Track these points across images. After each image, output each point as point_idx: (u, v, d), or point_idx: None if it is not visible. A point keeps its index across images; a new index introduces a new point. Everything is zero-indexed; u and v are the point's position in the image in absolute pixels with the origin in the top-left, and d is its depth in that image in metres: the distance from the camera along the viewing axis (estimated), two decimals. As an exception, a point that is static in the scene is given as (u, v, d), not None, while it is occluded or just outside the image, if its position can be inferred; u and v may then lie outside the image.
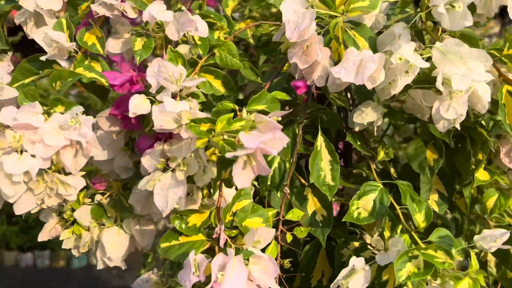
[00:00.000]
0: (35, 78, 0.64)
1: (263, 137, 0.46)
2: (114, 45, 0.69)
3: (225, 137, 0.51)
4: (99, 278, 3.03)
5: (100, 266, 0.69)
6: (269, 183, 0.68)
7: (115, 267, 0.69)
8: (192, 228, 0.57)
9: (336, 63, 0.59)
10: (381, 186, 0.64)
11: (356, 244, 0.74)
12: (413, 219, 0.62)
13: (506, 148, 0.70)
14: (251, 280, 0.52)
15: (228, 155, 0.47)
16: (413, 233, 0.61)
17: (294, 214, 0.64)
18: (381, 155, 0.70)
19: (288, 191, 0.65)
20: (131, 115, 0.58)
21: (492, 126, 0.71)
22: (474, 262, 0.52)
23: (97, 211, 0.69)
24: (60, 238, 0.70)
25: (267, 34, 0.71)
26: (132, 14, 0.67)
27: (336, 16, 0.58)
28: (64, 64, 0.65)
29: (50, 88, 0.62)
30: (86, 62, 0.65)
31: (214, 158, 0.54)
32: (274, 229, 0.55)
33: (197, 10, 0.75)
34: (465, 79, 0.56)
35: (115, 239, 0.67)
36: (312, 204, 0.69)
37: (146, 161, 0.61)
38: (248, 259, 0.52)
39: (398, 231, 0.63)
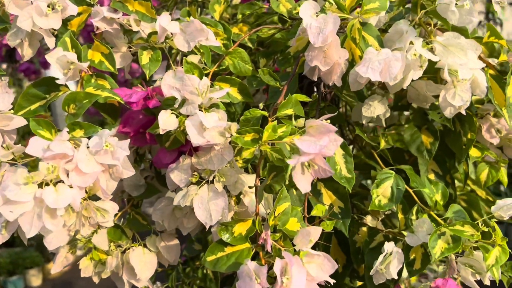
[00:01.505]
0: (43, 103, 0.60)
1: (321, 141, 0.48)
2: (112, 60, 0.67)
3: (272, 145, 0.52)
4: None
5: (126, 289, 0.67)
6: (287, 182, 0.70)
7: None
8: (239, 237, 0.57)
9: (350, 62, 0.62)
10: (394, 173, 0.69)
11: (364, 229, 0.79)
12: (427, 199, 0.68)
13: (486, 126, 0.78)
14: (309, 279, 0.54)
15: (291, 162, 0.48)
16: (431, 212, 0.66)
17: (319, 210, 0.67)
18: (383, 143, 0.75)
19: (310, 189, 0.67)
20: (161, 132, 0.57)
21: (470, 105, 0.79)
22: (498, 231, 0.58)
23: (115, 233, 0.67)
24: (80, 267, 0.66)
25: (266, 38, 0.72)
26: (135, 27, 0.65)
27: (345, 19, 0.61)
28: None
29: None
30: (93, 81, 0.62)
31: (241, 163, 0.55)
32: (321, 228, 0.57)
33: (188, 18, 0.74)
34: (467, 68, 0.62)
35: (143, 259, 0.65)
36: (327, 197, 0.72)
37: (176, 176, 0.60)
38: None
39: (414, 212, 0.68)
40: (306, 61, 0.62)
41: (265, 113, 0.58)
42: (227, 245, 0.58)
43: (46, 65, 1.48)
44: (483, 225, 0.59)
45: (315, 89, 0.82)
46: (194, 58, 0.65)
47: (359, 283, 0.83)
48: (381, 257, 0.62)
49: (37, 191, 0.49)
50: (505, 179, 0.77)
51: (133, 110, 0.67)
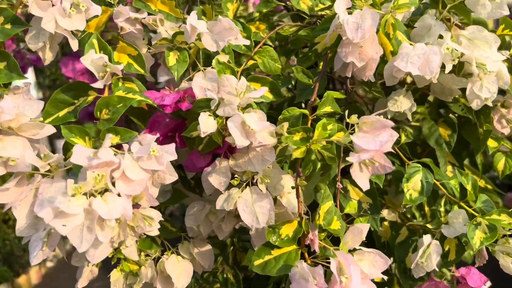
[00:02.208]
0: (71, 109, 0.56)
1: (379, 137, 0.47)
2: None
3: (323, 143, 0.51)
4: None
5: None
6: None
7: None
8: (286, 239, 0.56)
9: (380, 58, 0.62)
10: (421, 166, 0.69)
11: (386, 223, 0.79)
12: (455, 191, 0.69)
13: (497, 116, 0.80)
14: (363, 276, 0.54)
15: (352, 159, 0.47)
16: (461, 203, 0.67)
17: (351, 207, 0.67)
18: (403, 138, 0.76)
19: (341, 186, 0.67)
20: (202, 134, 0.55)
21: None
22: (532, 217, 0.60)
23: (145, 242, 0.65)
24: (111, 280, 0.63)
25: (286, 37, 0.71)
26: (161, 28, 0.63)
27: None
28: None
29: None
30: (120, 84, 0.59)
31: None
32: (369, 224, 0.56)
33: (203, 17, 0.72)
34: (492, 61, 0.63)
35: (179, 267, 0.63)
36: (355, 194, 0.72)
37: (215, 179, 0.58)
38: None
39: (442, 203, 0.69)
40: (339, 57, 0.61)
41: (306, 111, 0.57)
42: (273, 248, 0.57)
43: (24, 69, 1.40)
44: (519, 213, 0.60)
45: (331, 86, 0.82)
46: (223, 58, 0.63)
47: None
48: (420, 251, 0.62)
49: (87, 202, 0.46)
50: (520, 168, 0.79)
51: (159, 114, 0.65)
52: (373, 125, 0.49)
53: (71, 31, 0.58)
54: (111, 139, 0.54)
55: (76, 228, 0.46)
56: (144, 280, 0.62)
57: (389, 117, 0.71)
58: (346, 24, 0.57)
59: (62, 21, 0.55)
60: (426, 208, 0.72)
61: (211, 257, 0.67)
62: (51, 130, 0.54)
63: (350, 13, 0.59)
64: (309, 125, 0.57)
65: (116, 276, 0.64)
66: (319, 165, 0.62)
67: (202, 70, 0.62)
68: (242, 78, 0.57)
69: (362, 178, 0.50)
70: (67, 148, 0.55)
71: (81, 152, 0.48)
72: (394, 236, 0.74)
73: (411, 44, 0.60)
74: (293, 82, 0.77)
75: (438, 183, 0.70)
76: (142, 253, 0.65)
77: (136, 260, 0.64)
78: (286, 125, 0.52)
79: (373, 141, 0.47)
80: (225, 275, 0.84)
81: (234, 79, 0.56)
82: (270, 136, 0.52)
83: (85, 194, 0.47)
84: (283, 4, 0.77)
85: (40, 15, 0.55)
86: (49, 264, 2.74)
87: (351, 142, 0.51)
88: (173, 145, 0.51)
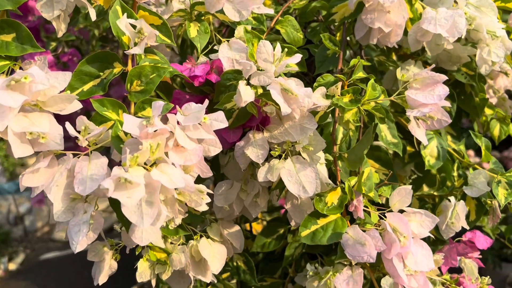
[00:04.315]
0: (96, 82, 0.51)
1: (435, 90, 0.48)
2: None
3: (372, 104, 0.50)
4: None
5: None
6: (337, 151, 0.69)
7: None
8: (332, 207, 0.54)
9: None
10: (434, 133, 0.71)
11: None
12: (465, 155, 0.71)
13: (485, 87, 0.84)
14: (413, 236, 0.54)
15: (413, 113, 0.47)
16: (475, 165, 0.70)
17: (374, 177, 0.67)
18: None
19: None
20: (242, 104, 0.52)
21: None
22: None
23: (169, 228, 0.60)
24: (138, 272, 0.58)
25: (302, 8, 0.70)
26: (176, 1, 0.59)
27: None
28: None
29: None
30: (143, 57, 0.55)
31: (352, 126, 0.53)
32: (411, 186, 0.56)
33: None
34: (498, 27, 0.66)
35: (213, 250, 0.59)
36: (372, 164, 0.72)
37: (251, 152, 0.56)
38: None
39: (455, 168, 0.71)
40: (363, 25, 0.61)
41: (342, 77, 0.56)
42: (319, 217, 0.55)
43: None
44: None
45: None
46: (242, 28, 0.61)
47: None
48: (449, 212, 0.64)
49: (145, 173, 0.42)
50: (512, 132, 0.84)
51: (178, 91, 0.61)
52: (424, 82, 0.50)
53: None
54: (144, 112, 0.50)
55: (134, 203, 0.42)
56: (178, 266, 0.58)
57: (400, 87, 0.72)
58: (375, -10, 0.57)
59: (81, -14, 0.51)
60: (437, 176, 0.74)
61: (241, 238, 0.64)
62: (78, 105, 0.49)
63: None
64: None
65: (143, 266, 0.59)
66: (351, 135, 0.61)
67: (223, 41, 0.59)
68: (278, 44, 0.55)
69: (421, 133, 0.50)
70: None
71: (133, 121, 0.44)
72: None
73: (433, 9, 0.61)
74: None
75: (450, 149, 0.72)
76: (169, 240, 0.61)
77: (163, 248, 0.59)
78: (339, 85, 0.50)
79: (430, 95, 0.48)
80: (235, 263, 0.81)
81: (270, 45, 0.54)
82: (323, 97, 0.51)
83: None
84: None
85: (58, -21, 0.50)
86: (12, 266, 2.52)
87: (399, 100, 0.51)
88: (222, 113, 0.48)
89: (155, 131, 0.43)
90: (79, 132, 0.46)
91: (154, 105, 0.46)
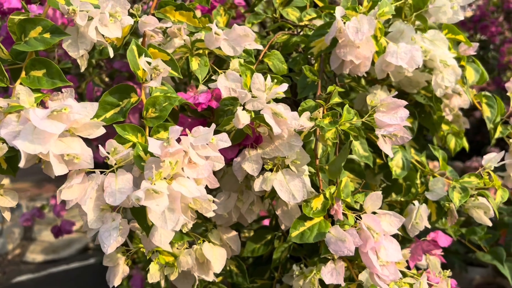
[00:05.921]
0: (117, 110, 0.60)
1: (398, 113, 0.59)
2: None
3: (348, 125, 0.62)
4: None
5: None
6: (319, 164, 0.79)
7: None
8: (317, 211, 0.65)
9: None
10: (399, 146, 0.83)
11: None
12: (426, 166, 0.83)
13: (441, 106, 0.97)
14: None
15: (380, 132, 0.58)
16: (435, 174, 0.82)
17: (350, 186, 0.78)
18: (377, 127, 0.89)
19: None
20: (240, 126, 0.62)
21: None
22: (495, 178, 0.76)
23: (176, 235, 0.69)
24: (150, 273, 0.67)
25: (280, 43, 0.81)
26: (185, 36, 0.69)
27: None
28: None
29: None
30: (154, 88, 0.64)
31: (330, 143, 0.64)
32: (381, 191, 0.67)
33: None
34: (449, 57, 0.79)
35: (215, 252, 0.69)
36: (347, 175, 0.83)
37: (248, 167, 0.66)
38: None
39: (418, 176, 0.83)
40: (336, 57, 0.73)
41: (322, 102, 0.67)
42: (306, 220, 0.65)
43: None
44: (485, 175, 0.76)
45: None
46: (236, 62, 0.72)
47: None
48: (414, 214, 0.75)
49: (167, 185, 0.51)
50: (466, 145, 0.96)
51: (181, 116, 0.71)
52: (389, 106, 0.61)
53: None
54: (159, 135, 0.60)
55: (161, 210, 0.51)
56: (186, 267, 0.67)
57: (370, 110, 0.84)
58: (347, 29, 0.69)
59: (104, 30, 0.60)
60: (403, 184, 0.85)
61: (238, 242, 0.73)
62: (102, 131, 0.58)
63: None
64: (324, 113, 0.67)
65: (154, 269, 0.67)
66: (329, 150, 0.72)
67: (220, 73, 0.70)
68: (269, 76, 0.66)
69: (387, 148, 0.61)
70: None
71: (156, 143, 0.53)
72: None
73: (394, 44, 0.73)
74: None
75: (413, 160, 0.84)
76: (175, 246, 0.70)
77: (170, 252, 0.68)
78: (321, 110, 0.61)
79: (394, 117, 0.59)
80: (228, 268, 0.90)
81: (262, 77, 0.65)
82: (308, 120, 0.61)
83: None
84: (270, 16, 0.88)
85: (84, 24, 0.59)
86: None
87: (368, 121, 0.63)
88: (225, 134, 0.58)
89: (173, 150, 0.52)
90: (108, 153, 0.55)
91: (171, 130, 0.55)
